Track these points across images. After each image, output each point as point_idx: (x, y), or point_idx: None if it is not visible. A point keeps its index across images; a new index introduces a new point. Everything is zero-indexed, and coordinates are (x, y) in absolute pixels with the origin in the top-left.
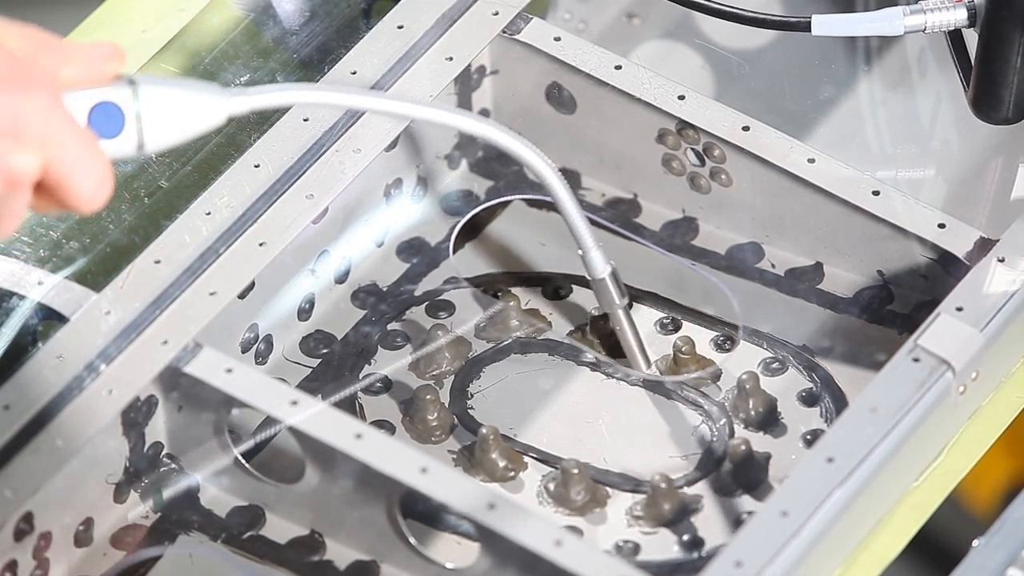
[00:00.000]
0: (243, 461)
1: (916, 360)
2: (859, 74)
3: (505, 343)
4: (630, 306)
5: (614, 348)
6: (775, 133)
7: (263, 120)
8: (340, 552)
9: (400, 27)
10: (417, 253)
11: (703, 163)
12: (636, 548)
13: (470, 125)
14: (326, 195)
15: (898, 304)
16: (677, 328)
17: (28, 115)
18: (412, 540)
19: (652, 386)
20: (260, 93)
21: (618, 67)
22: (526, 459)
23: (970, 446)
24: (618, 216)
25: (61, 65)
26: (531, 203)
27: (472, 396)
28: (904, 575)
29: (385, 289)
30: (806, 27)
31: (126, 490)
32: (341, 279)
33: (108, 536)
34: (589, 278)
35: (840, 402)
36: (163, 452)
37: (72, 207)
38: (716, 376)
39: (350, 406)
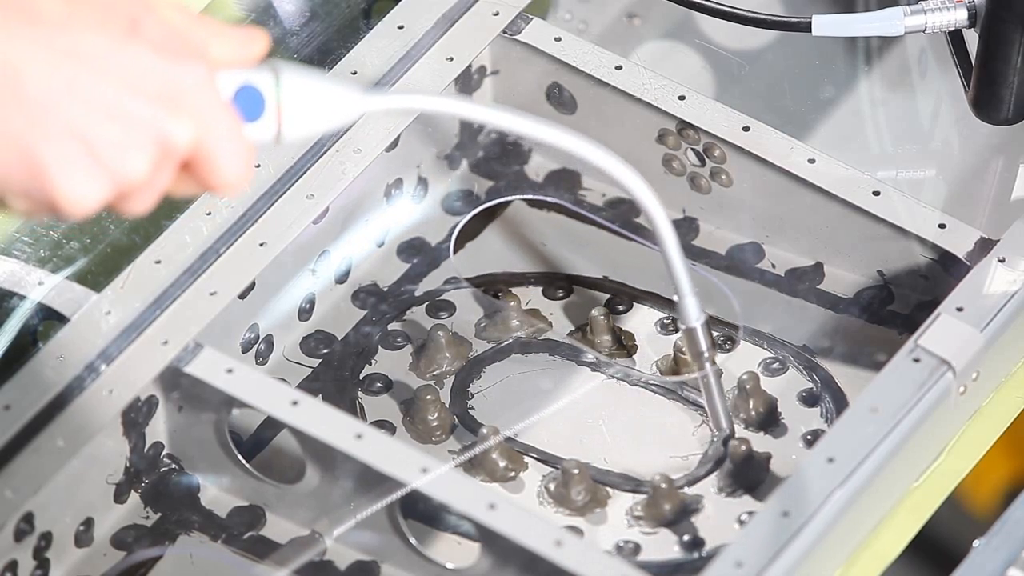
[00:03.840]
0: (243, 461)
1: (916, 360)
2: (859, 74)
3: (505, 343)
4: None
5: (614, 348)
6: (775, 133)
7: None
8: (340, 552)
9: (400, 27)
10: (417, 253)
11: (703, 163)
12: (636, 548)
13: (595, 156)
14: (327, 195)
15: (898, 304)
16: (678, 328)
17: (185, 85)
18: (412, 540)
19: (652, 386)
20: (395, 95)
21: (618, 67)
22: (526, 459)
23: (970, 446)
24: (618, 216)
25: (210, 42)
26: (531, 203)
27: (473, 396)
28: (904, 575)
29: (385, 289)
30: (806, 27)
31: (126, 490)
32: (341, 279)
33: (108, 536)
34: (681, 326)
35: (840, 402)
36: (163, 452)
37: (214, 187)
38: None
39: (350, 406)
